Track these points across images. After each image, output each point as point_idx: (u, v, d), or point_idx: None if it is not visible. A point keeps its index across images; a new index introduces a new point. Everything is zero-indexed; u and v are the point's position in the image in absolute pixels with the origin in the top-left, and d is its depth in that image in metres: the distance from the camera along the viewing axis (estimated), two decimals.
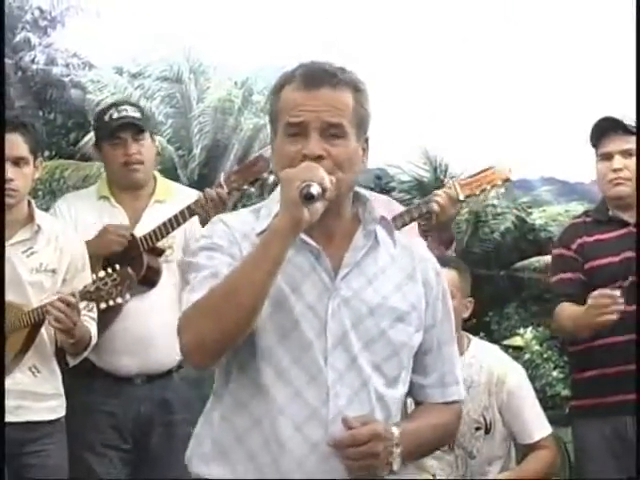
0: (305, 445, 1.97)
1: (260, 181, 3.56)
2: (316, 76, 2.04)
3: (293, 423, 1.98)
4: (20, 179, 3.29)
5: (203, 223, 3.40)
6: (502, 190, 15.37)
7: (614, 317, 3.22)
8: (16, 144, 3.28)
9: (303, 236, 2.01)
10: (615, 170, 3.48)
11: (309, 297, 2.01)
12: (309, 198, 1.90)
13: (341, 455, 1.94)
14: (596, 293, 3.27)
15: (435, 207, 3.40)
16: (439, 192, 3.44)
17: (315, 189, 1.91)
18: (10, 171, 3.25)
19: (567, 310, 3.43)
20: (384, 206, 3.43)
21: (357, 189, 2.14)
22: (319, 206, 1.93)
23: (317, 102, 2.02)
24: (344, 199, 2.08)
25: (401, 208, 3.59)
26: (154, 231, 3.55)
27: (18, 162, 3.29)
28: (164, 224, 3.54)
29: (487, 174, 3.49)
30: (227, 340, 1.94)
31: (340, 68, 2.08)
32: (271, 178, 3.55)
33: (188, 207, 3.49)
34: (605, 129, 3.53)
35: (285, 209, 1.92)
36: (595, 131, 3.56)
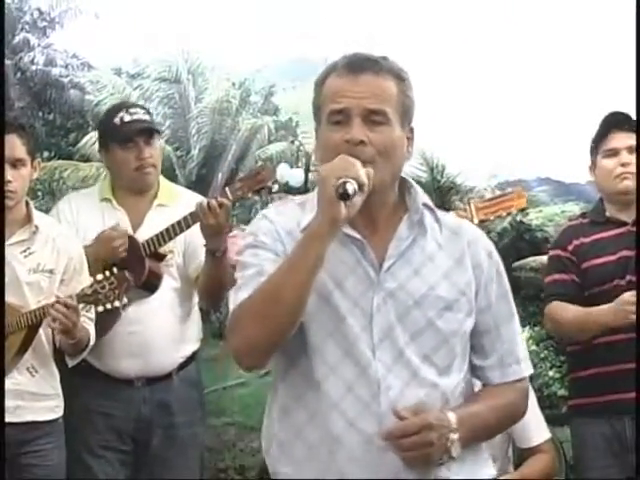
0: (360, 439, 1.98)
1: (264, 189, 3.56)
2: (358, 63, 2.04)
3: (346, 418, 1.99)
4: (18, 180, 3.29)
5: (203, 230, 3.39)
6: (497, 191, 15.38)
7: (634, 318, 3.25)
8: (14, 146, 3.28)
9: (347, 229, 2.01)
10: (623, 164, 3.49)
11: (354, 292, 2.02)
12: (345, 197, 1.89)
13: (394, 447, 1.94)
14: (629, 293, 3.28)
15: None
16: (452, 215, 3.45)
17: (351, 187, 1.90)
18: (8, 173, 3.25)
19: (570, 311, 3.44)
20: None
21: (405, 177, 2.13)
22: (357, 201, 1.93)
23: (359, 88, 2.02)
24: (388, 188, 2.07)
25: None
26: (157, 236, 3.54)
27: (16, 164, 3.29)
28: (167, 230, 3.52)
29: (506, 199, 3.50)
30: (273, 341, 1.97)
31: (383, 57, 2.08)
32: (275, 187, 3.55)
33: (191, 214, 3.46)
34: (611, 124, 3.54)
35: (322, 208, 1.93)
36: (602, 126, 3.56)
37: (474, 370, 2.13)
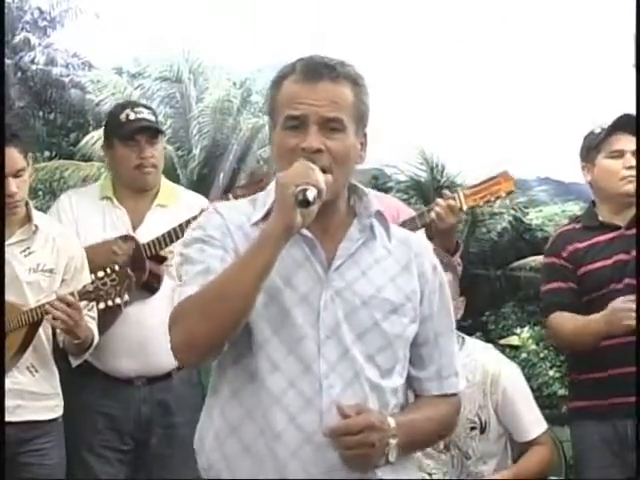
0: (300, 435, 1.98)
1: None
2: (316, 69, 2.03)
3: (287, 413, 1.98)
4: (22, 188, 3.32)
5: None
6: None
7: (633, 323, 3.22)
8: (14, 158, 3.29)
9: None
10: (629, 167, 3.46)
11: (302, 288, 2.02)
12: (305, 204, 1.89)
13: (335, 444, 1.94)
14: (621, 299, 3.26)
15: (433, 215, 3.40)
16: (440, 201, 3.43)
17: (311, 194, 1.90)
18: (13, 185, 3.27)
19: (569, 321, 3.42)
20: (394, 210, 3.44)
21: (355, 183, 2.14)
22: (314, 209, 1.93)
23: (316, 96, 2.01)
24: (340, 193, 2.08)
25: (411, 212, 3.60)
26: (158, 239, 3.54)
27: (17, 174, 3.30)
28: (169, 233, 3.51)
29: (491, 184, 3.48)
30: (216, 340, 1.96)
31: (340, 62, 2.07)
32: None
33: (194, 217, 3.35)
34: (619, 126, 3.51)
35: (279, 214, 1.93)
36: (609, 127, 3.53)
37: (410, 381, 2.14)
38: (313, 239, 2.04)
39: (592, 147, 3.55)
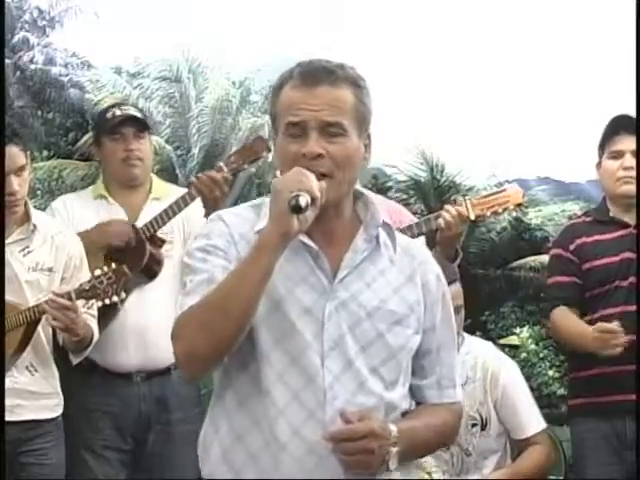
0: (303, 446, 1.97)
1: (259, 160, 3.59)
2: (314, 74, 2.02)
3: (291, 425, 1.98)
4: (23, 187, 3.32)
5: (207, 203, 3.43)
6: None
7: (617, 351, 3.24)
8: (16, 156, 3.30)
9: (302, 237, 2.00)
10: (626, 168, 3.48)
11: (306, 299, 2.01)
12: (297, 210, 1.89)
13: (336, 449, 1.93)
14: (598, 327, 3.28)
15: (441, 223, 3.37)
16: (449, 208, 3.41)
17: (304, 200, 1.89)
18: (15, 183, 3.28)
19: (568, 324, 3.46)
20: (396, 214, 3.39)
21: (361, 189, 2.13)
22: (309, 215, 1.92)
23: (316, 101, 2.00)
24: (344, 198, 2.06)
25: (412, 217, 3.58)
26: (155, 219, 3.58)
27: (18, 171, 3.31)
28: (165, 211, 3.57)
29: (501, 196, 3.48)
30: (217, 352, 1.96)
31: (339, 65, 2.06)
32: (270, 157, 3.53)
33: (187, 193, 3.52)
34: (620, 127, 3.53)
35: (273, 221, 1.92)
36: (610, 127, 3.55)
37: (410, 389, 2.13)
38: (317, 249, 2.03)
39: (599, 146, 3.57)
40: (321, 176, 1.97)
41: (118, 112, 3.72)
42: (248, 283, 1.91)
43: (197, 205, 3.52)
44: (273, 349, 1.99)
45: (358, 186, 2.13)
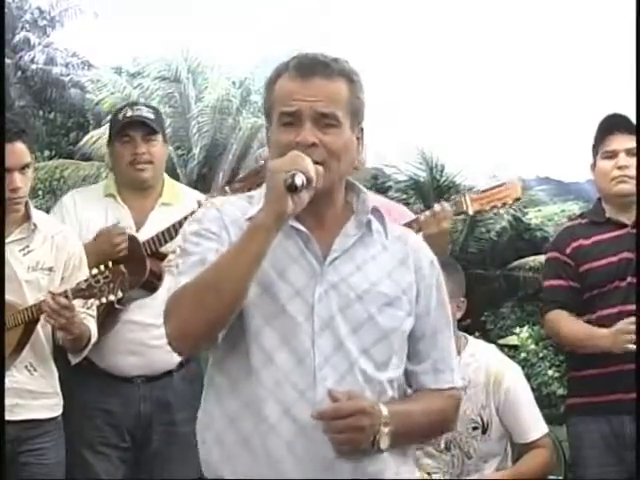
0: (293, 427, 1.98)
1: None
2: (309, 66, 2.05)
3: (281, 406, 1.99)
4: (26, 184, 3.31)
5: None
6: None
7: (634, 348, 3.25)
8: (21, 153, 3.28)
9: (293, 222, 2.02)
10: (620, 167, 3.47)
11: (297, 282, 2.02)
12: (293, 189, 1.91)
13: (325, 428, 1.94)
14: (627, 321, 3.28)
15: (421, 218, 3.39)
16: (436, 205, 3.43)
17: (299, 179, 1.91)
18: (18, 179, 3.27)
19: (572, 325, 3.45)
20: (399, 215, 3.38)
21: (353, 181, 2.15)
22: (304, 196, 1.94)
23: (310, 92, 2.03)
24: (336, 187, 2.09)
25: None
26: (157, 236, 3.54)
27: (23, 169, 3.30)
28: (168, 229, 3.52)
29: (499, 190, 3.48)
30: (209, 329, 1.98)
31: (334, 59, 2.08)
32: None
33: (192, 213, 3.47)
34: (612, 126, 3.52)
35: (269, 201, 1.94)
36: (602, 127, 3.55)
37: (407, 375, 2.14)
38: (307, 233, 2.05)
39: (593, 146, 3.56)
40: (315, 163, 1.99)
41: (129, 113, 3.68)
42: (242, 262, 1.93)
43: None
44: (263, 331, 2.01)
45: (351, 178, 2.14)
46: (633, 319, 3.26)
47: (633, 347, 3.23)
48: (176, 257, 2.09)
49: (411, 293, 2.10)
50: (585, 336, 3.41)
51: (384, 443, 1.99)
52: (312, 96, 2.03)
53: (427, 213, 3.42)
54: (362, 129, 2.12)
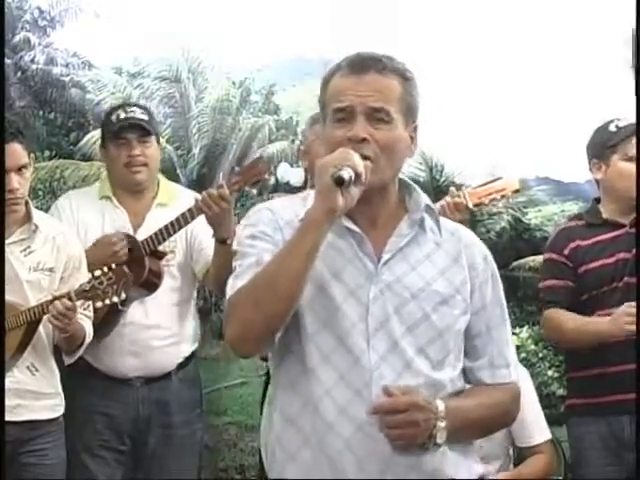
0: (351, 426, 2.00)
1: (261, 182, 3.55)
2: (363, 62, 2.07)
3: (338, 405, 2.00)
4: (23, 186, 3.31)
5: (210, 221, 3.40)
6: None
7: (634, 329, 3.25)
8: (18, 154, 3.28)
9: (346, 222, 2.04)
10: None
11: (351, 282, 2.04)
12: (340, 182, 1.92)
13: (380, 423, 1.96)
14: (628, 304, 3.28)
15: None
16: (447, 198, 3.46)
17: (347, 173, 1.92)
18: (15, 180, 3.27)
19: (569, 320, 3.44)
20: None
21: (405, 179, 2.16)
22: (355, 192, 1.96)
23: (363, 87, 2.05)
24: (389, 184, 2.10)
25: None
26: (155, 234, 3.54)
27: (20, 170, 3.30)
28: (166, 227, 3.52)
29: (497, 184, 3.51)
30: (269, 327, 1.99)
31: (387, 56, 2.10)
32: (272, 179, 3.55)
33: (190, 209, 3.47)
34: (634, 131, 3.48)
35: (319, 197, 1.95)
36: (625, 131, 3.51)
37: (465, 372, 2.15)
38: (361, 233, 2.06)
39: (606, 146, 3.52)
40: (365, 159, 2.00)
41: (123, 115, 3.67)
42: (295, 258, 1.95)
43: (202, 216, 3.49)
44: (319, 331, 2.03)
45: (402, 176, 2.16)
46: (634, 303, 3.26)
47: (633, 328, 3.23)
48: (233, 261, 2.11)
49: (465, 291, 2.11)
50: (583, 326, 3.40)
51: (441, 438, 2.00)
52: (364, 91, 2.04)
53: (443, 203, 3.43)
54: (416, 127, 2.12)
